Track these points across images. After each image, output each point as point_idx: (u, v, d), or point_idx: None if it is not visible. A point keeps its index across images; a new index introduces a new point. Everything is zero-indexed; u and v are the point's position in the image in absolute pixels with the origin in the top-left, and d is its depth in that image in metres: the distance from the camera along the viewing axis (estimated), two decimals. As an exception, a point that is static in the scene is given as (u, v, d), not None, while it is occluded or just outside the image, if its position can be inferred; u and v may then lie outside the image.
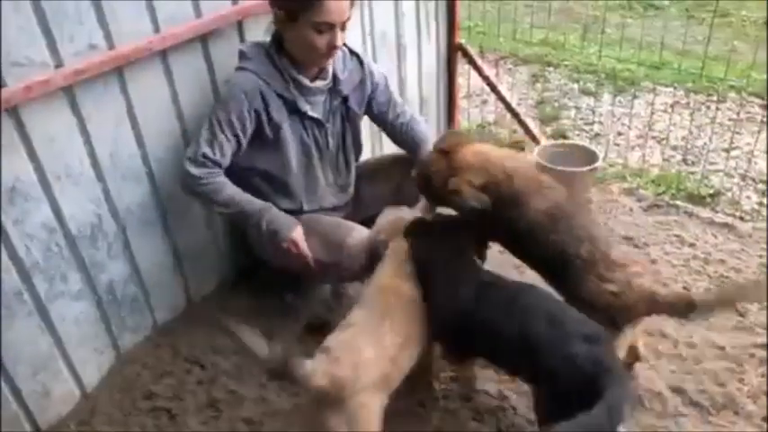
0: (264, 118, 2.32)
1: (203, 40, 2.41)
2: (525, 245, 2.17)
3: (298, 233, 2.42)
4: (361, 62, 2.57)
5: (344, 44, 2.43)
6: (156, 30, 2.24)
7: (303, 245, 2.43)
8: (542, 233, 2.08)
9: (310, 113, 2.42)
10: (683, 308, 2.01)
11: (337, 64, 2.47)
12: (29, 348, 2.17)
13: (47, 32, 1.96)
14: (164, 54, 2.29)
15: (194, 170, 2.27)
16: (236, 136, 2.30)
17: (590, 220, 2.21)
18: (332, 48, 2.29)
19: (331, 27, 2.23)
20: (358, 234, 2.43)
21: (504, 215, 2.10)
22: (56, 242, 2.17)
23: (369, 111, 2.67)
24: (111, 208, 2.32)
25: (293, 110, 2.39)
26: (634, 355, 2.31)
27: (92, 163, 2.21)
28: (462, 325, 1.98)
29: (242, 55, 2.34)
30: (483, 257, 2.30)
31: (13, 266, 2.06)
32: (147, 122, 2.33)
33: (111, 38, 2.12)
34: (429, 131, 2.81)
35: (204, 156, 2.26)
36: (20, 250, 2.06)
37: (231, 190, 2.34)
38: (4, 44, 1.86)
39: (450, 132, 2.45)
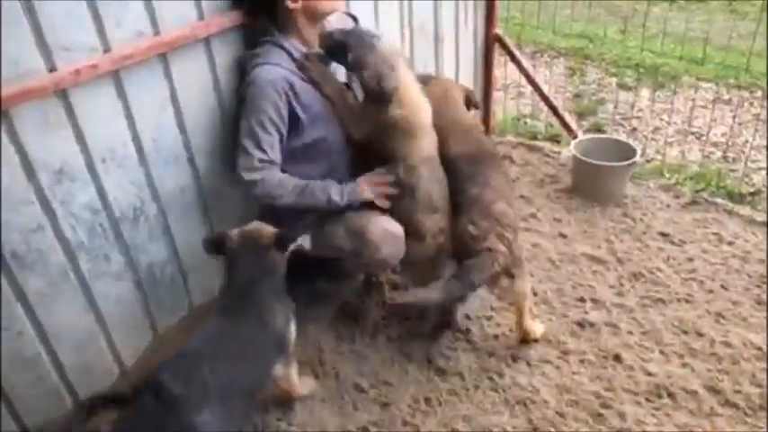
0: (296, 103, 2.32)
1: (245, 27, 2.43)
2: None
3: (365, 183, 2.42)
4: (355, 20, 2.63)
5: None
6: (201, 17, 2.27)
7: (380, 178, 2.43)
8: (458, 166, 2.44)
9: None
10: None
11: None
12: (73, 325, 2.24)
13: (96, 17, 2.00)
14: (207, 41, 2.33)
15: (251, 176, 2.27)
16: (279, 130, 2.30)
17: (500, 174, 2.51)
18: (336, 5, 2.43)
19: None
20: (379, 223, 2.39)
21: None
22: (100, 223, 2.22)
23: None
24: (153, 191, 2.36)
25: (313, 83, 2.40)
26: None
27: (135, 147, 2.25)
28: None
29: (251, 56, 2.35)
30: None
31: (59, 245, 2.12)
32: (190, 108, 2.36)
33: (156, 24, 2.16)
34: None
35: (260, 161, 2.27)
36: (66, 230, 2.12)
37: (290, 183, 2.33)
38: (53, 27, 1.91)
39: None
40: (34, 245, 2.05)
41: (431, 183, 2.42)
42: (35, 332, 2.14)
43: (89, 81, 2.02)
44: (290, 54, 2.36)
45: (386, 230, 2.36)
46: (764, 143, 3.79)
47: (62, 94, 1.98)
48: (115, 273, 2.33)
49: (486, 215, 2.31)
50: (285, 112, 2.31)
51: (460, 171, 2.43)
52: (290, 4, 2.32)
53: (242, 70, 2.40)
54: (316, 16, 2.42)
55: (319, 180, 2.39)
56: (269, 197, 2.32)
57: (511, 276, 2.33)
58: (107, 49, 2.05)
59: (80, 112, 2.05)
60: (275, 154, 2.30)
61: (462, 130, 2.60)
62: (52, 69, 1.94)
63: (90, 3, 1.97)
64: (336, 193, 2.37)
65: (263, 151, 2.27)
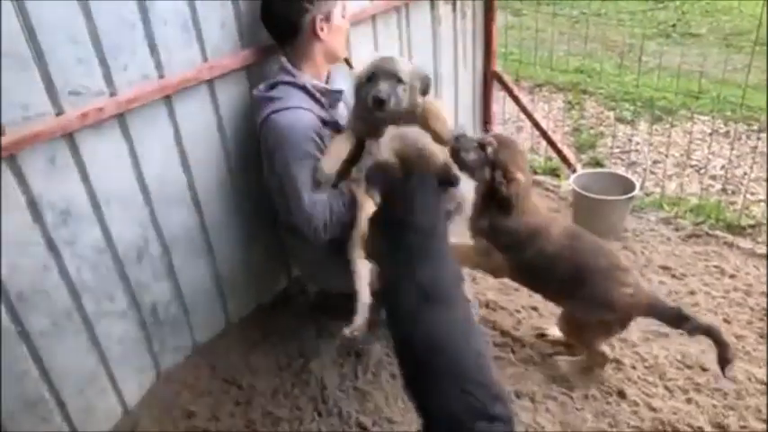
0: (323, 145, 2.34)
1: (248, 69, 2.49)
2: (548, 271, 2.34)
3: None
4: (349, 65, 2.69)
5: None
6: (205, 59, 2.33)
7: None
8: (564, 255, 2.32)
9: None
10: (675, 319, 2.31)
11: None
12: (76, 365, 2.24)
13: (103, 63, 2.05)
14: (211, 83, 2.38)
15: (315, 224, 2.29)
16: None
17: (595, 238, 2.47)
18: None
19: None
20: None
21: (531, 249, 2.31)
22: (104, 263, 2.25)
23: None
24: (157, 231, 2.39)
25: (332, 126, 2.43)
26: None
27: (140, 187, 2.29)
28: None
29: (268, 99, 2.31)
30: None
31: (64, 286, 2.14)
32: (193, 149, 2.41)
33: (161, 67, 2.21)
34: None
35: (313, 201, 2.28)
36: (71, 270, 2.14)
37: (338, 204, 2.33)
38: (62, 72, 1.96)
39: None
40: (39, 285, 2.07)
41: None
42: (38, 372, 2.13)
43: (95, 124, 2.07)
44: (309, 93, 2.37)
45: None
46: (763, 175, 3.82)
47: (69, 136, 2.02)
48: (119, 312, 2.34)
49: (627, 271, 2.34)
50: (321, 149, 2.32)
51: (577, 250, 2.34)
52: (320, 34, 2.35)
53: (256, 109, 2.38)
54: (332, 58, 2.49)
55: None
56: (329, 230, 2.32)
57: None
58: (113, 93, 2.10)
59: (86, 154, 2.09)
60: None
61: (548, 213, 2.54)
62: (60, 113, 1.98)
63: (97, 48, 2.03)
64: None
65: (312, 198, 2.28)
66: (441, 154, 2.11)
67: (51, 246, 2.07)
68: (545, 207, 2.46)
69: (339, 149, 2.32)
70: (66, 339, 2.18)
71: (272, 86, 2.34)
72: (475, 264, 2.45)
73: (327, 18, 2.37)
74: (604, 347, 2.49)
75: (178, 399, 2.51)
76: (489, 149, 2.26)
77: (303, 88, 2.35)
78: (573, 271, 2.30)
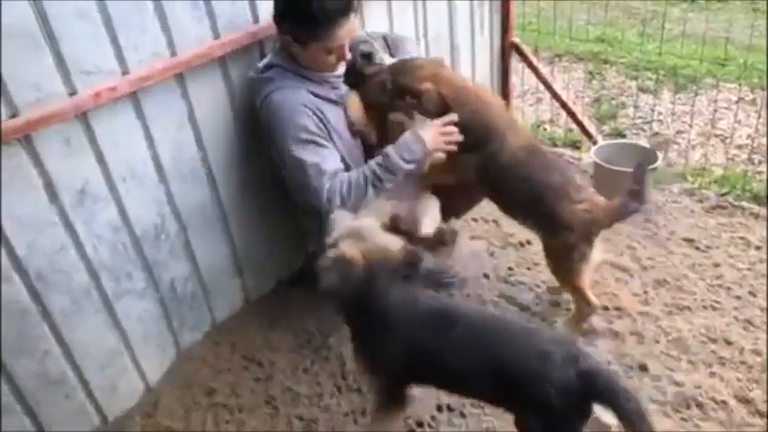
0: (324, 120, 2.33)
1: (261, 44, 2.46)
2: (501, 182, 2.38)
3: (427, 135, 2.31)
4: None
5: None
6: (216, 36, 2.30)
7: (444, 129, 2.33)
8: (518, 168, 2.33)
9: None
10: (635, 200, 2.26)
11: None
12: (96, 344, 2.27)
13: (114, 42, 2.04)
14: (223, 59, 2.35)
15: (328, 195, 2.24)
16: (324, 140, 2.29)
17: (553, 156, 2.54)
18: (342, 60, 2.37)
19: (341, 47, 2.29)
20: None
21: (485, 150, 2.33)
22: (121, 242, 2.25)
23: None
24: (173, 209, 2.39)
25: (334, 103, 2.41)
26: None
27: (155, 165, 2.29)
28: (417, 358, 1.86)
29: (265, 80, 2.32)
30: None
31: (82, 265, 2.15)
32: (207, 125, 2.39)
33: (173, 45, 2.20)
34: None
35: (319, 172, 2.24)
36: (88, 249, 2.15)
37: (356, 178, 2.28)
38: (73, 52, 1.95)
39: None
40: (58, 265, 2.08)
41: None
42: (61, 351, 2.16)
43: (108, 103, 2.06)
44: (304, 77, 2.35)
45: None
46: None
47: (83, 116, 2.02)
48: (137, 290, 2.35)
49: (578, 188, 2.33)
50: (321, 125, 2.31)
51: (532, 165, 2.33)
52: (291, 48, 2.30)
53: (254, 92, 2.37)
54: (319, 69, 2.38)
55: (372, 161, 2.32)
56: (348, 205, 2.25)
57: None
58: (125, 72, 2.09)
59: (100, 133, 2.09)
60: (335, 163, 2.30)
61: (509, 118, 2.50)
62: (73, 93, 1.97)
63: (108, 27, 2.01)
64: (399, 163, 2.28)
65: (324, 165, 2.25)
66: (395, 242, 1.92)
67: (68, 226, 2.08)
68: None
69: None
70: (86, 318, 2.21)
71: (267, 68, 2.33)
72: (448, 173, 2.47)
73: (301, 43, 2.25)
74: (590, 294, 2.44)
75: (199, 376, 2.54)
76: (387, 85, 2.35)
77: (294, 72, 2.33)
78: (529, 185, 2.32)
